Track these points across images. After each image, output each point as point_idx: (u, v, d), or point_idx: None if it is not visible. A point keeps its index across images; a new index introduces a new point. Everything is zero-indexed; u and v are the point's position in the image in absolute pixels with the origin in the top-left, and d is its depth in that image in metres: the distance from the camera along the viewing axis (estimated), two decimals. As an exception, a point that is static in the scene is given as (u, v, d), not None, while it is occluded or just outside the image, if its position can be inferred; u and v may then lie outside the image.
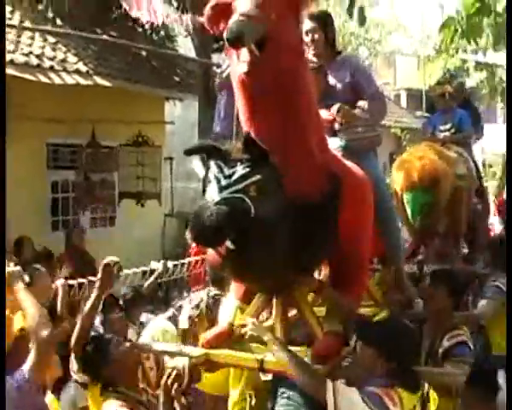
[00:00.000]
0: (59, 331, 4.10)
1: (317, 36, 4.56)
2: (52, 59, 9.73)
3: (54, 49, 10.12)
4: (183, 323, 5.30)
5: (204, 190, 3.33)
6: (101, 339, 4.04)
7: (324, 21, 4.64)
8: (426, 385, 3.94)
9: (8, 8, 9.77)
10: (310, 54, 4.52)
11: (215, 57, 11.78)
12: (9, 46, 8.91)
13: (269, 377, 3.73)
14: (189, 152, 3.46)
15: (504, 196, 11.91)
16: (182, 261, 8.05)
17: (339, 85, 4.57)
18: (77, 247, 9.21)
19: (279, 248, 3.23)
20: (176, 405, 3.79)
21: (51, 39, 10.38)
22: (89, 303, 4.01)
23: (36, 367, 3.60)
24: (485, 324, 5.49)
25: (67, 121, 10.15)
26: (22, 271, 4.05)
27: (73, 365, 4.00)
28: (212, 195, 3.15)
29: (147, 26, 12.74)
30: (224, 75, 6.59)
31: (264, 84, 3.29)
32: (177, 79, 12.67)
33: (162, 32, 13.33)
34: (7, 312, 4.24)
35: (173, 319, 5.58)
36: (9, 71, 7.94)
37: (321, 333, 3.57)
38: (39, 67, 9.31)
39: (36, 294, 5.92)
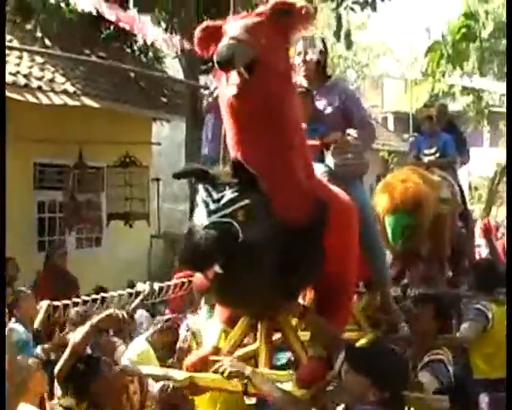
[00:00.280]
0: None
1: (308, 57, 4.60)
2: (40, 79, 9.72)
3: (42, 69, 10.12)
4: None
5: (192, 211, 3.32)
6: (91, 358, 4.04)
7: (317, 43, 4.68)
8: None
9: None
10: (301, 75, 4.57)
11: (203, 79, 11.83)
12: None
13: (253, 400, 3.72)
14: (178, 175, 3.45)
15: (490, 218, 11.99)
16: (168, 283, 8.02)
17: (328, 110, 4.59)
18: (58, 267, 9.13)
19: (266, 272, 3.23)
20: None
21: (39, 59, 10.38)
22: (81, 334, 3.97)
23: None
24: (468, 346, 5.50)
25: (55, 141, 10.13)
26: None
27: (57, 390, 3.98)
28: (201, 219, 3.16)
29: (135, 48, 12.80)
30: (212, 98, 6.63)
31: (253, 107, 3.31)
32: (164, 100, 12.70)
33: (150, 54, 13.39)
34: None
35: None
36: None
37: (305, 358, 3.57)
38: (27, 86, 9.30)
39: (21, 315, 5.95)
